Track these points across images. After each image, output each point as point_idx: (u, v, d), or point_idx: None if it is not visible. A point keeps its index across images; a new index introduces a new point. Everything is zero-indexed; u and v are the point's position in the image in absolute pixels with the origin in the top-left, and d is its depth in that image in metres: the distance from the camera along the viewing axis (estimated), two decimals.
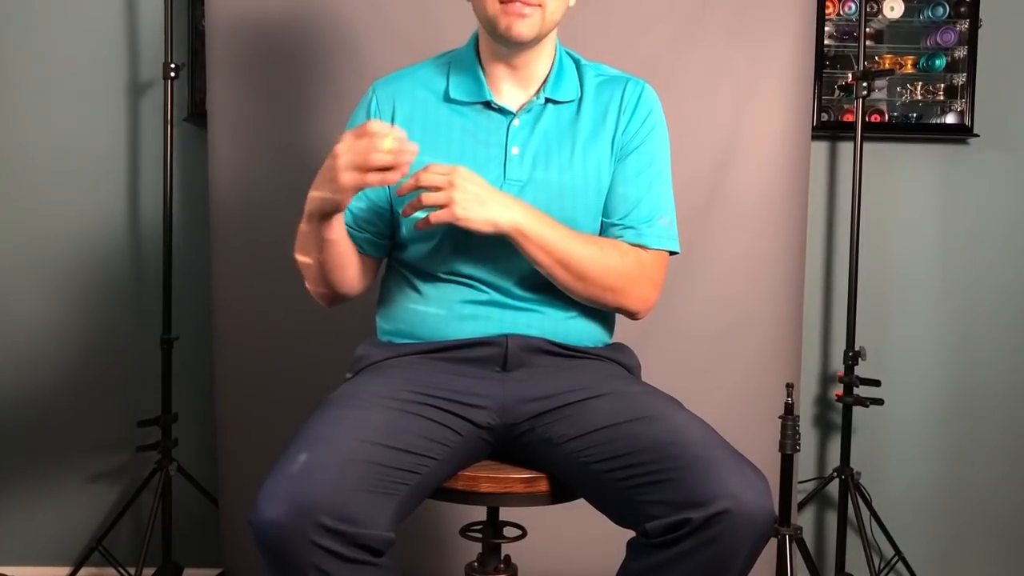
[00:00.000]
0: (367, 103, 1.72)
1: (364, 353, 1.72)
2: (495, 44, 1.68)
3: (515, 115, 1.69)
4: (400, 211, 1.67)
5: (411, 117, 1.70)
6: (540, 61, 1.70)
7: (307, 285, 1.72)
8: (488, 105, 1.69)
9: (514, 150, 1.68)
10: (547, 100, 1.70)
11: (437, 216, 1.55)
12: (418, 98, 1.71)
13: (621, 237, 1.69)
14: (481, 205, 1.55)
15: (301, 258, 1.67)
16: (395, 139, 1.45)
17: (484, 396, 1.60)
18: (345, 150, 1.48)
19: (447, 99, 1.71)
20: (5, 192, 2.64)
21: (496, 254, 1.66)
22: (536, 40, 1.66)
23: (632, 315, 1.72)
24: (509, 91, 1.70)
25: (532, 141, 1.69)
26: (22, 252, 2.65)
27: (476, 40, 1.74)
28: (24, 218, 2.65)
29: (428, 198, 1.54)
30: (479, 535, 1.72)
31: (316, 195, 1.54)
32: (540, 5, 1.61)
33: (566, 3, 1.67)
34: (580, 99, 1.72)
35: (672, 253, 1.74)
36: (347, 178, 1.48)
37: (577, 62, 1.76)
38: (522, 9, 1.60)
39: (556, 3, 1.64)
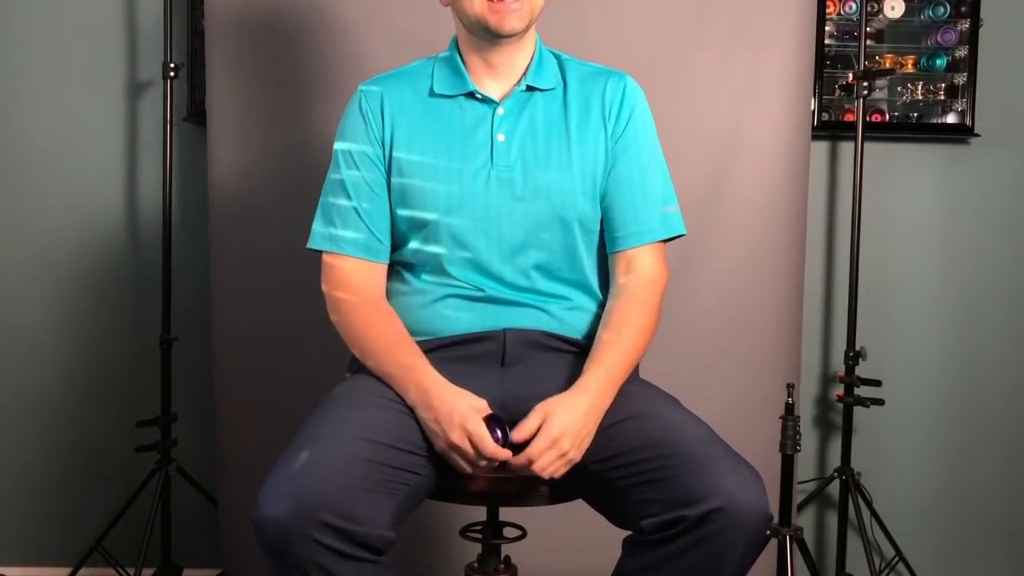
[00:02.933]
0: (357, 105, 1.73)
1: None
2: (477, 41, 1.70)
3: (498, 104, 1.71)
4: (398, 211, 1.70)
5: (399, 114, 1.71)
6: (520, 54, 1.72)
7: (341, 331, 1.70)
8: (472, 96, 1.71)
9: (500, 137, 1.69)
10: (528, 87, 1.72)
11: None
12: (405, 96, 1.73)
13: (628, 248, 1.70)
14: (582, 441, 1.53)
15: (374, 366, 1.65)
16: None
17: (484, 394, 1.60)
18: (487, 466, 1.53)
19: (432, 94, 1.73)
20: (4, 192, 2.64)
21: (492, 255, 1.67)
22: (524, 31, 1.68)
23: None
24: (491, 83, 1.72)
25: (518, 128, 1.70)
26: (21, 252, 2.65)
27: (456, 42, 1.76)
28: (23, 218, 2.64)
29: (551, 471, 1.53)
30: (479, 535, 1.72)
31: (441, 439, 1.53)
32: None
33: None
34: (564, 87, 1.74)
35: (679, 236, 1.77)
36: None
37: (558, 57, 1.79)
38: (511, 5, 1.63)
39: None
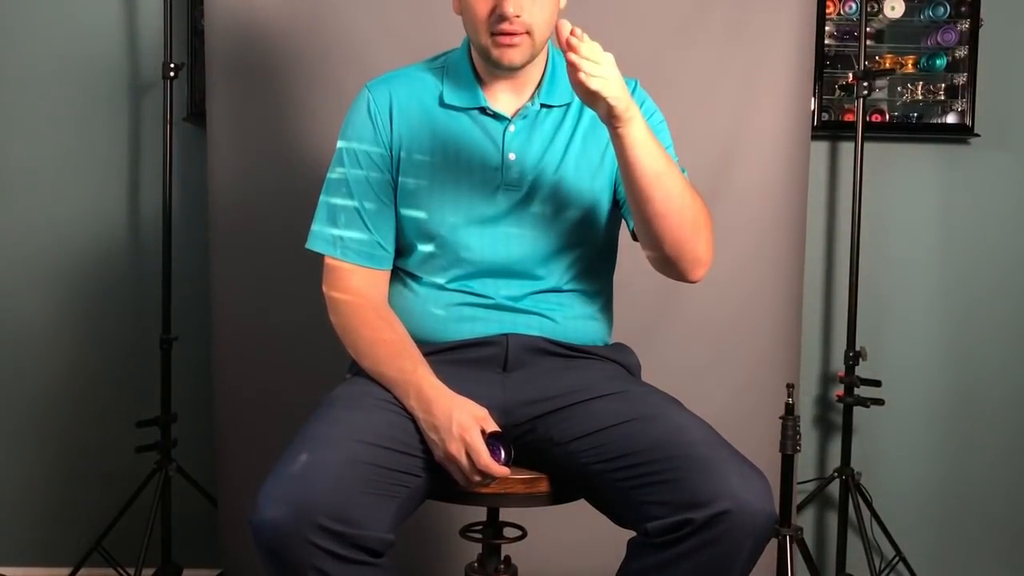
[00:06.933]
0: (365, 104, 1.71)
1: None
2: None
3: (510, 120, 1.69)
4: (403, 212, 1.68)
5: (407, 118, 1.69)
6: (534, 67, 1.69)
7: (340, 331, 1.69)
8: (483, 111, 1.69)
9: (511, 156, 1.67)
10: (542, 105, 1.70)
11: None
12: (414, 100, 1.71)
13: None
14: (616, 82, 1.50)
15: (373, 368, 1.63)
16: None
17: (485, 398, 1.59)
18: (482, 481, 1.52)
19: (442, 104, 1.70)
20: (5, 192, 2.64)
21: (496, 260, 1.67)
22: (528, 63, 1.64)
23: (694, 267, 1.65)
24: (504, 97, 1.69)
25: (528, 146, 1.68)
26: (22, 252, 2.65)
27: (468, 47, 1.72)
28: (24, 218, 2.64)
29: (577, 61, 1.47)
30: (479, 535, 1.72)
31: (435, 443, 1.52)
32: (528, 32, 1.60)
33: (555, 17, 1.63)
34: (576, 101, 1.70)
35: None
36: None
37: None
38: (512, 40, 1.59)
39: (542, 23, 1.61)
